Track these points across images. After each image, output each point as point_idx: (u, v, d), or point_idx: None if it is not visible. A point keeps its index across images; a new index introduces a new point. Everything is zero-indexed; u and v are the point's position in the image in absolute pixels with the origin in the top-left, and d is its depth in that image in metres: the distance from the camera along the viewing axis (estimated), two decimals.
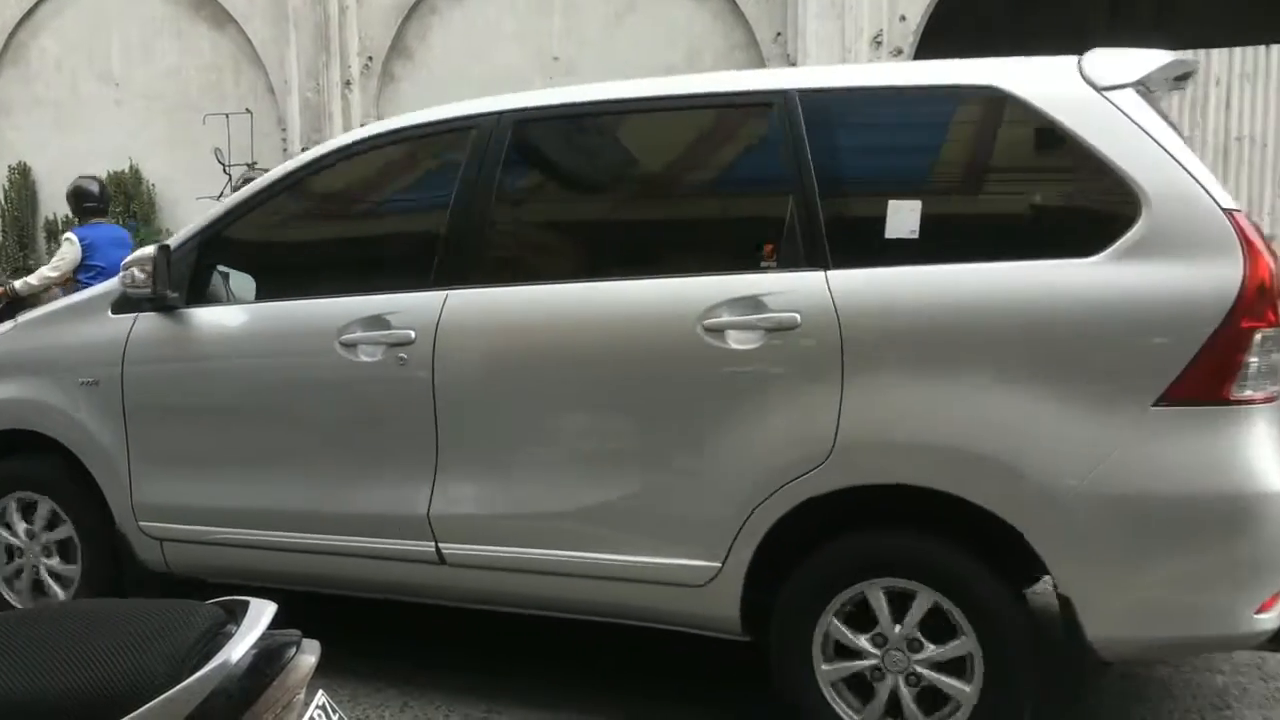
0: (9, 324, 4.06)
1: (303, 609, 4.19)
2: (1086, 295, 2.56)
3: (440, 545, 3.14)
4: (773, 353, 2.78)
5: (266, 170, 4.07)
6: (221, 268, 3.55)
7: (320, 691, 1.50)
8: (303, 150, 8.47)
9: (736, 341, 2.81)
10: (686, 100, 3.19)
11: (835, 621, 2.75)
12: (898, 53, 10.19)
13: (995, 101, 2.80)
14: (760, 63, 10.71)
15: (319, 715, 1.46)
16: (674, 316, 2.88)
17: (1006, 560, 2.65)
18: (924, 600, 2.67)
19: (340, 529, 3.25)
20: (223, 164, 10.62)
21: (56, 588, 3.73)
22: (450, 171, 3.29)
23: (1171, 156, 2.59)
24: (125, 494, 3.54)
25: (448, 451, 3.12)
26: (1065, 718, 3.14)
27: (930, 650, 2.68)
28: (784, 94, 2.94)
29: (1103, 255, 2.57)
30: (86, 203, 7.08)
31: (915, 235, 2.73)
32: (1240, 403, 2.49)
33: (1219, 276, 2.49)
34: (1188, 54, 3.13)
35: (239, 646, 1.33)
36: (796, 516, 2.76)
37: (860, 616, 2.75)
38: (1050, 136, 2.70)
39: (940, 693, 2.69)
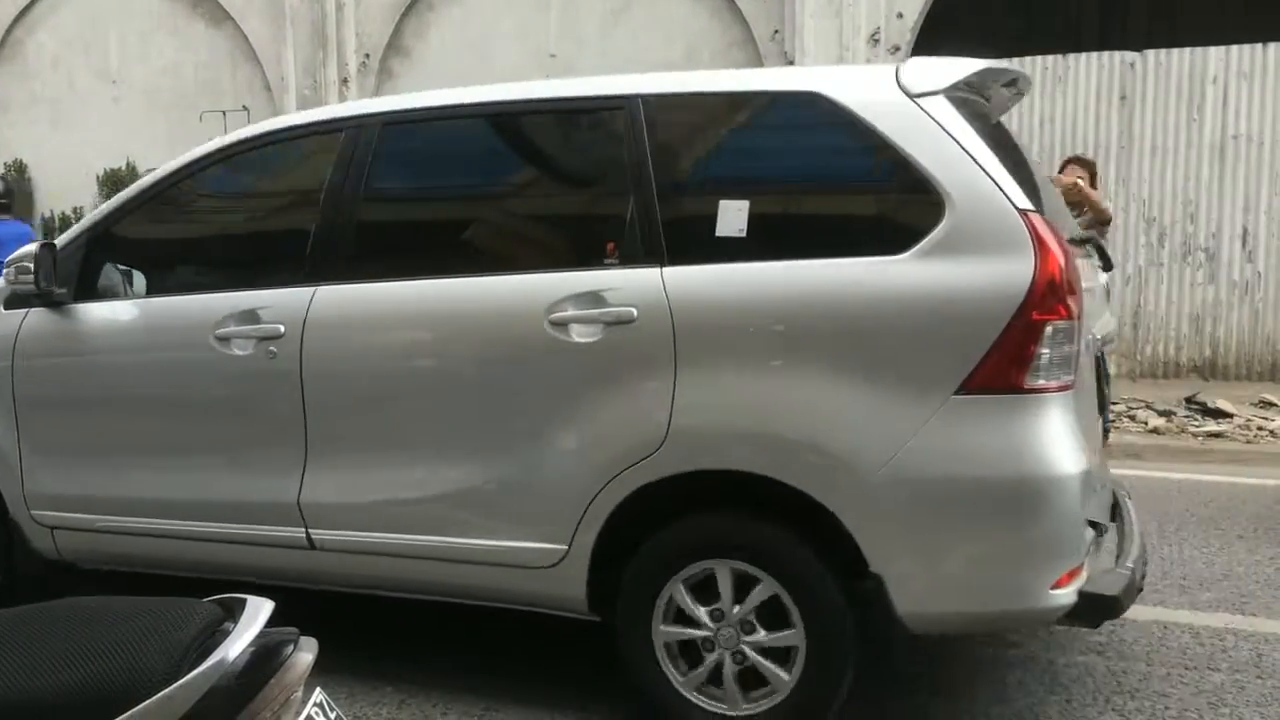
0: None
1: (301, 607, 4.19)
2: (894, 291, 2.72)
3: (310, 531, 3.27)
4: (611, 345, 2.92)
5: None
6: (120, 265, 3.67)
7: (318, 689, 1.50)
8: None
9: (579, 335, 2.95)
10: (540, 104, 3.33)
11: (682, 590, 2.89)
12: (895, 50, 10.19)
13: (818, 106, 2.93)
14: (758, 60, 10.71)
15: (316, 713, 1.45)
16: (522, 311, 3.02)
17: (836, 550, 2.77)
18: (766, 588, 2.81)
19: (218, 516, 3.38)
20: None
21: None
22: (322, 172, 3.41)
23: (974, 160, 2.73)
24: (18, 483, 3.66)
25: (316, 441, 3.25)
26: (1064, 714, 3.16)
27: (761, 635, 2.83)
28: (629, 99, 3.08)
29: (910, 253, 2.72)
30: None
31: (743, 234, 2.87)
32: (1034, 391, 2.64)
33: (1012, 273, 2.64)
34: (1004, 62, 3.26)
35: (236, 644, 1.33)
36: (640, 500, 2.90)
37: (707, 590, 2.89)
38: (866, 140, 2.84)
39: (760, 674, 2.84)
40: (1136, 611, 3.95)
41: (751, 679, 2.86)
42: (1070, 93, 9.73)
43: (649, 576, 2.93)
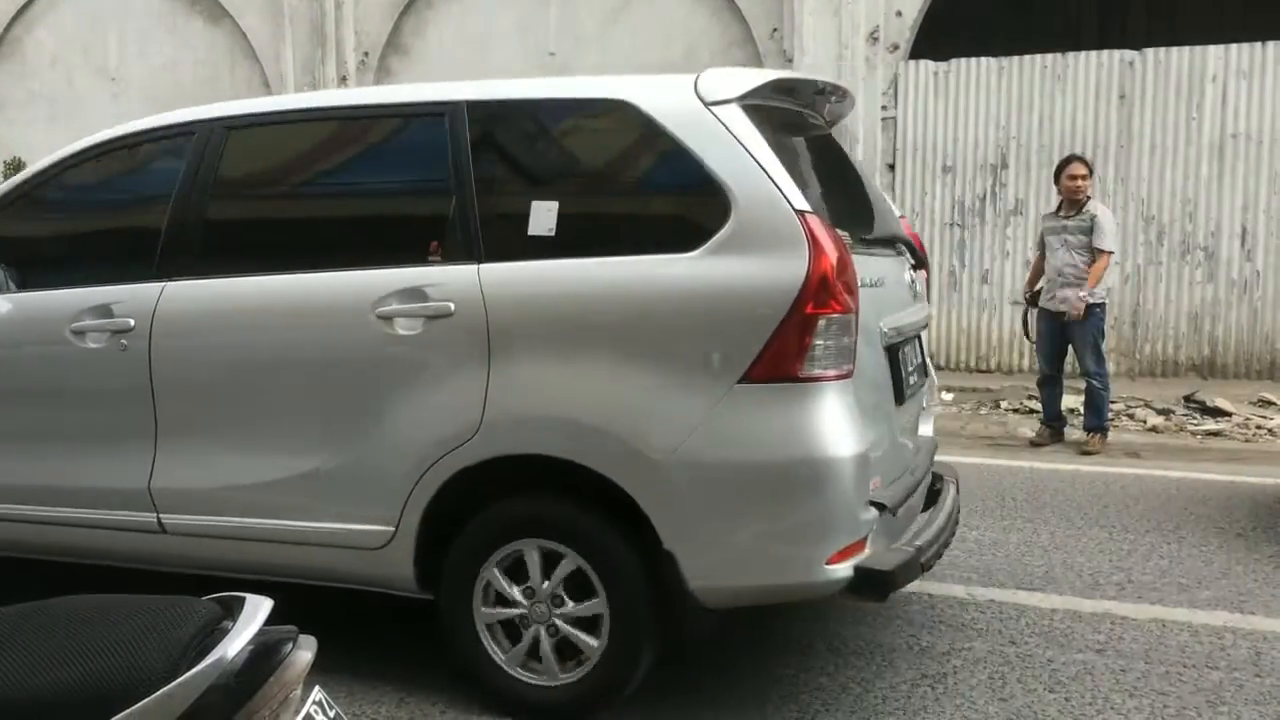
0: None
1: (300, 605, 4.19)
2: (684, 286, 2.93)
3: (161, 516, 3.45)
4: (431, 338, 3.11)
5: None
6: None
7: (317, 687, 1.49)
8: None
9: (403, 328, 3.13)
10: (371, 110, 3.55)
11: (496, 572, 3.09)
12: (894, 48, 10.19)
13: (622, 113, 3.12)
14: (757, 58, 10.70)
15: (315, 711, 1.45)
16: (352, 305, 3.20)
17: (636, 526, 2.95)
18: (570, 562, 3.01)
19: (76, 502, 3.56)
20: None
21: None
22: (173, 173, 3.59)
23: (759, 164, 2.92)
24: None
25: (165, 430, 3.44)
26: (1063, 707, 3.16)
27: (569, 607, 3.03)
28: (454, 105, 3.27)
29: (699, 251, 2.92)
30: None
31: (553, 233, 3.06)
32: (810, 380, 2.85)
33: (788, 270, 2.83)
34: (793, 73, 3.49)
35: (235, 642, 1.33)
36: (460, 484, 3.08)
37: (521, 570, 3.09)
38: (664, 145, 3.03)
39: (574, 645, 3.04)
40: (1135, 610, 3.97)
41: (567, 650, 3.06)
42: (1069, 91, 9.73)
43: (468, 558, 3.12)
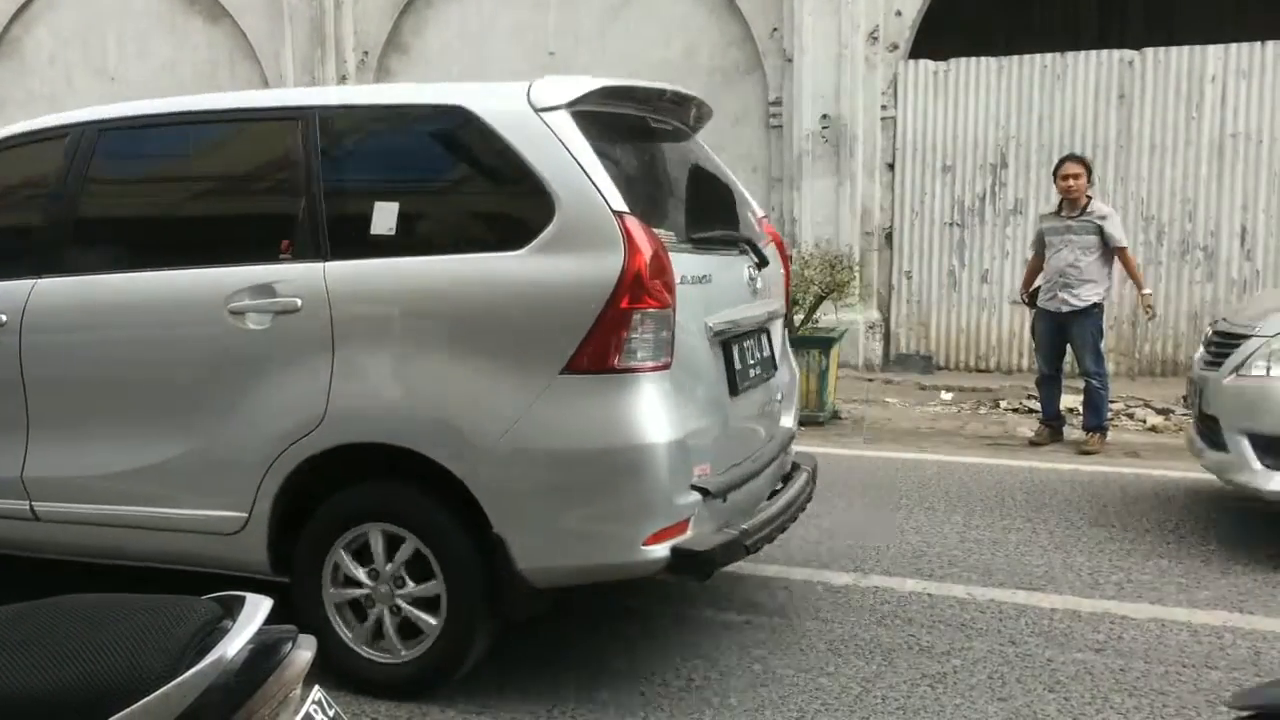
0: None
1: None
2: (511, 283, 3.10)
3: (33, 504, 3.60)
4: (280, 333, 3.28)
5: None
6: None
7: (316, 687, 1.49)
8: None
9: (253, 323, 3.29)
10: (231, 114, 3.72)
11: (344, 555, 3.25)
12: (894, 48, 10.19)
13: (460, 118, 3.29)
14: (757, 57, 10.70)
15: (315, 710, 1.45)
16: (207, 301, 3.36)
17: (468, 512, 3.11)
18: (410, 546, 3.18)
19: None
20: None
21: None
22: (48, 174, 3.74)
23: (581, 168, 3.08)
24: None
25: (36, 422, 3.59)
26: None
27: (410, 588, 3.20)
28: (306, 110, 3.46)
29: (526, 249, 3.09)
30: None
31: (393, 232, 3.22)
32: (627, 371, 3.02)
33: (605, 267, 3.00)
34: (631, 81, 3.60)
35: (235, 642, 1.33)
36: (310, 471, 3.25)
37: (366, 553, 3.26)
38: (497, 149, 3.19)
39: (415, 624, 3.20)
40: (1135, 610, 3.97)
41: (409, 629, 3.22)
42: (1069, 91, 9.73)
43: (317, 542, 3.28)
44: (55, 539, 3.64)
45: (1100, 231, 6.87)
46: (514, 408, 3.03)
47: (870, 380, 9.69)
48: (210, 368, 3.36)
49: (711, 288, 3.42)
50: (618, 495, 3.05)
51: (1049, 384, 7.27)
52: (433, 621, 3.17)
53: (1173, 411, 8.09)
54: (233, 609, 1.42)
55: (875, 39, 10.16)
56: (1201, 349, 5.31)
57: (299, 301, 3.23)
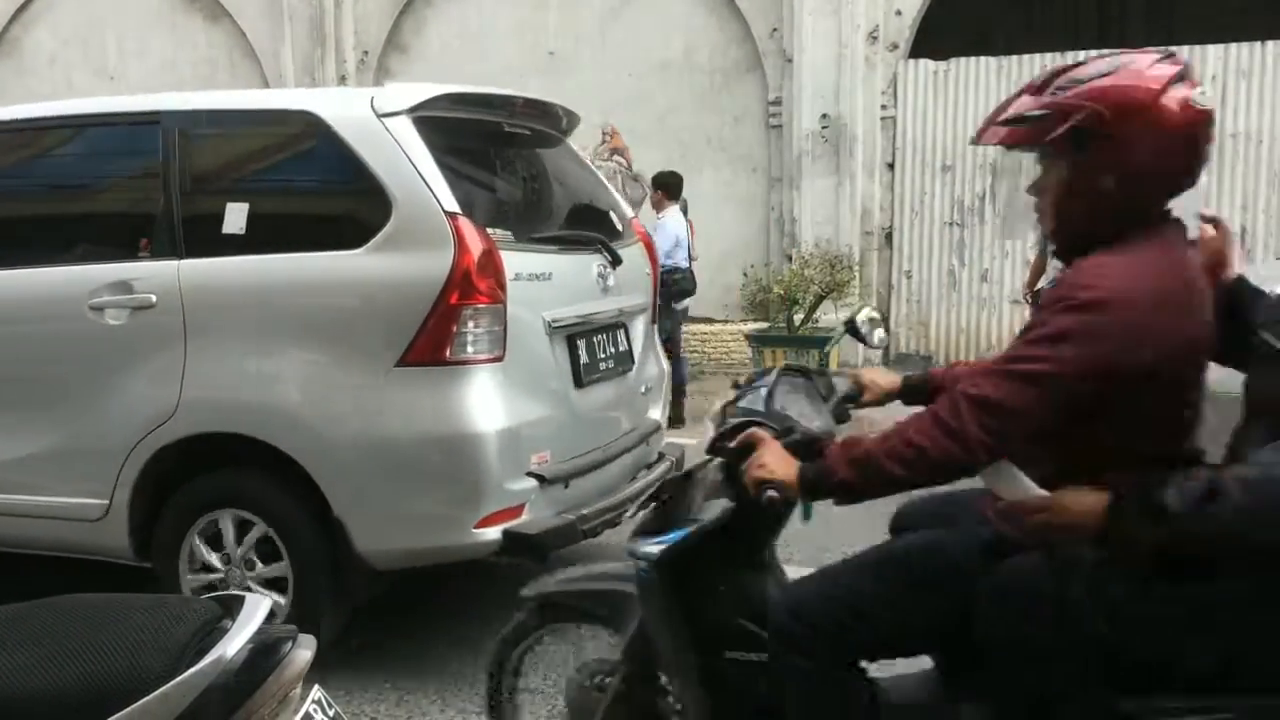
0: None
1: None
2: (350, 280, 3.29)
3: None
4: (136, 328, 3.45)
5: None
6: None
7: (316, 686, 1.49)
8: None
9: (112, 318, 3.47)
10: (95, 118, 3.86)
11: (198, 540, 3.44)
12: (894, 47, 10.19)
13: (308, 123, 3.47)
14: (756, 57, 10.70)
15: (315, 710, 1.45)
16: (70, 298, 3.52)
17: (312, 497, 3.28)
18: (259, 530, 3.37)
19: None
20: None
21: None
22: None
23: (417, 171, 3.25)
24: None
25: None
26: None
27: (260, 569, 3.39)
28: (164, 114, 3.63)
29: (365, 248, 3.28)
30: None
31: (242, 231, 3.40)
32: (459, 363, 3.20)
33: (436, 265, 3.18)
34: (479, 88, 3.77)
35: (234, 642, 1.32)
36: (166, 460, 3.42)
37: (219, 538, 3.43)
38: (341, 152, 3.36)
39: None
40: None
41: None
42: None
43: (174, 528, 3.45)
44: None
45: None
46: (353, 398, 3.23)
47: None
48: (73, 362, 3.53)
49: (552, 284, 3.58)
50: (449, 481, 3.23)
51: None
52: (282, 601, 3.33)
53: None
54: (232, 609, 1.42)
55: (875, 39, 10.16)
56: None
57: (154, 298, 3.42)
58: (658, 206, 8.13)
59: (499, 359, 3.26)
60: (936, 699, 2.03)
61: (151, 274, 3.44)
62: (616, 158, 11.34)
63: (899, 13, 10.12)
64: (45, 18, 13.43)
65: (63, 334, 3.56)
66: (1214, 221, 2.08)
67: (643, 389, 4.16)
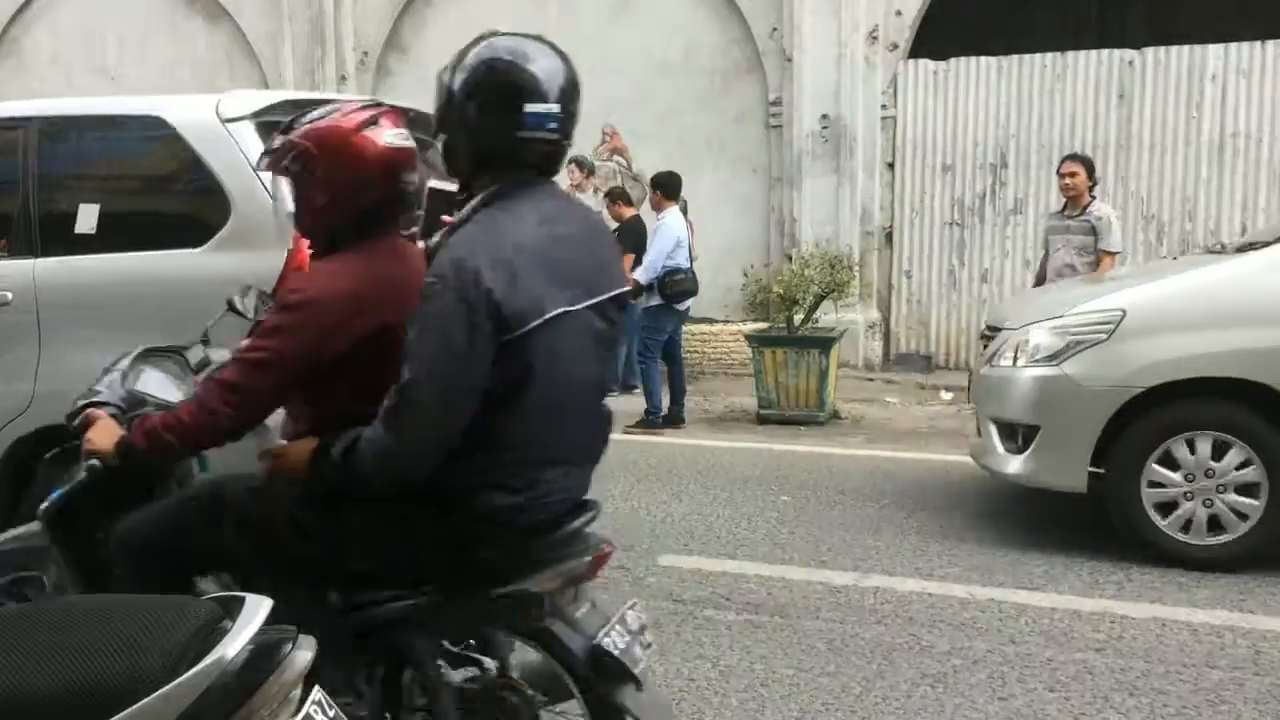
0: None
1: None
2: (193, 277, 3.49)
3: None
4: None
5: None
6: None
7: (316, 687, 1.49)
8: None
9: None
10: None
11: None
12: (894, 47, 10.18)
13: (157, 127, 3.65)
14: (757, 57, 10.69)
15: (315, 711, 1.45)
16: None
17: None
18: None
19: None
20: None
21: None
22: None
23: (256, 174, 3.41)
24: None
25: None
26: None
27: None
28: (27, 120, 3.82)
29: (206, 247, 3.52)
30: None
31: (94, 231, 3.58)
32: None
33: (270, 262, 3.39)
34: (309, 94, 4.02)
35: (235, 643, 1.33)
36: (23, 450, 3.57)
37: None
38: (187, 155, 3.57)
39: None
40: (1135, 609, 3.97)
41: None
42: (1069, 91, 9.72)
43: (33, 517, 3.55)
44: None
45: (1094, 232, 6.82)
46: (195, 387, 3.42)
47: (870, 380, 9.69)
48: None
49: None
50: None
51: None
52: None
53: None
54: (232, 610, 1.42)
55: (875, 39, 10.16)
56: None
57: (10, 295, 3.63)
58: (657, 207, 8.12)
59: None
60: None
61: (9, 272, 3.67)
62: (617, 158, 11.34)
63: (899, 13, 10.12)
64: (45, 18, 13.43)
65: None
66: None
67: None
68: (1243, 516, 4.35)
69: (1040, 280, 7.37)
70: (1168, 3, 12.97)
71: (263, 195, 3.38)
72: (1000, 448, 4.84)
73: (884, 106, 10.23)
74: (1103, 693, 3.29)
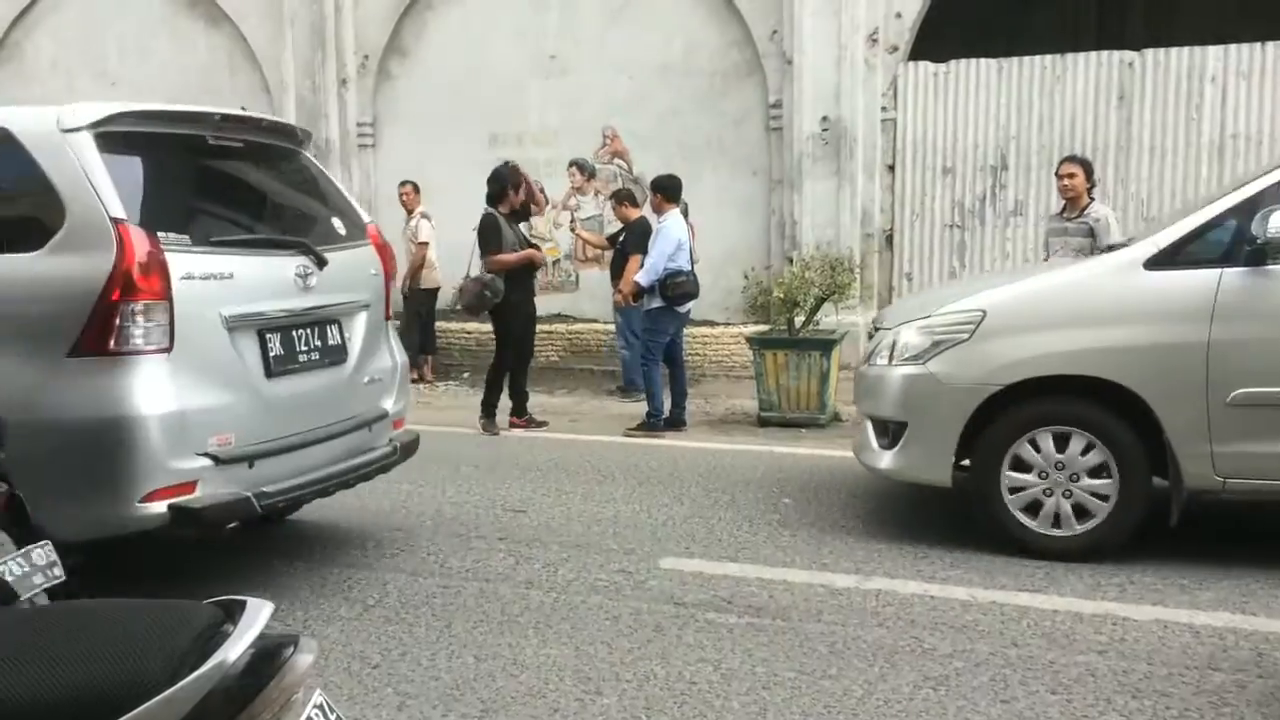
0: None
1: (302, 609, 4.19)
2: (28, 278, 3.68)
3: None
4: None
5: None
6: None
7: (317, 691, 1.49)
8: None
9: None
10: None
11: None
12: (894, 49, 10.19)
13: (1, 137, 3.80)
14: (757, 59, 10.70)
15: (316, 715, 1.45)
16: None
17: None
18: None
19: None
20: None
21: None
22: None
23: (90, 181, 3.67)
24: None
25: None
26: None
27: None
28: None
29: (41, 251, 3.69)
30: None
31: None
32: (124, 354, 3.60)
33: (100, 265, 3.59)
34: (170, 106, 4.20)
35: (236, 646, 1.32)
36: None
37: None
38: (25, 163, 3.74)
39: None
40: (1137, 611, 3.97)
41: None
42: (1069, 92, 9.73)
43: None
44: None
45: (1093, 234, 6.82)
46: (33, 387, 3.59)
47: None
48: None
49: (234, 283, 3.96)
50: (113, 459, 3.58)
51: None
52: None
53: None
54: (234, 613, 1.42)
55: (875, 41, 10.17)
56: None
57: None
58: (657, 210, 8.12)
59: (166, 350, 3.67)
60: None
61: None
62: (617, 160, 11.35)
63: (899, 15, 10.13)
64: (46, 23, 13.45)
65: None
66: None
67: (366, 379, 4.58)
68: (1102, 498, 4.53)
69: None
70: (1167, 4, 12.99)
71: (95, 202, 3.62)
72: (874, 444, 4.99)
73: (884, 109, 10.24)
74: (1105, 695, 3.29)
